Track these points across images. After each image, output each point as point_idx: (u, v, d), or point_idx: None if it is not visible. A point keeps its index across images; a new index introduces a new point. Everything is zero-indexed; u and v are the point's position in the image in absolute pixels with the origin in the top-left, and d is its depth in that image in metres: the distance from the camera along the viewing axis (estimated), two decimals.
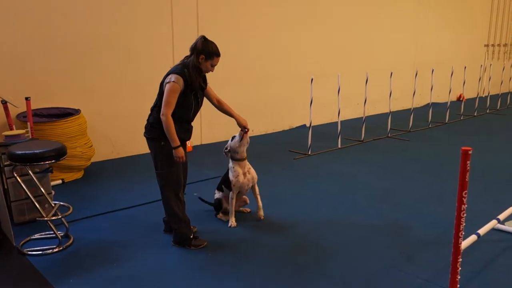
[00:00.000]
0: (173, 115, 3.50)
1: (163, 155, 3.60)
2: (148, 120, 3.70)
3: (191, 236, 3.78)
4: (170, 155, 3.55)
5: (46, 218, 3.72)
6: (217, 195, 4.43)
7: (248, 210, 4.56)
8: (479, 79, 11.25)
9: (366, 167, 6.29)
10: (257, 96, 8.06)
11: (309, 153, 6.84)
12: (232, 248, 3.79)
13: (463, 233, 2.80)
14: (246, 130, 4.05)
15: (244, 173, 4.19)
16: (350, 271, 3.43)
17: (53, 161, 3.63)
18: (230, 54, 7.58)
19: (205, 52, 3.52)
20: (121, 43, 6.38)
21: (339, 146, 7.31)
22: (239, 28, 7.67)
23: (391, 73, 8.19)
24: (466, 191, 2.73)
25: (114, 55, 6.34)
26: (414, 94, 8.72)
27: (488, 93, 11.25)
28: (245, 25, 7.74)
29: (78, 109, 5.78)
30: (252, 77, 7.96)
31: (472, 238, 3.07)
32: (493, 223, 3.33)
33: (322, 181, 5.66)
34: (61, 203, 4.09)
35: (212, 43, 3.57)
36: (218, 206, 4.42)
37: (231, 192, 4.20)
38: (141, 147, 6.69)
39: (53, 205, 3.96)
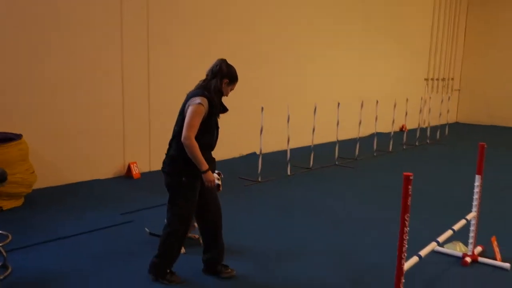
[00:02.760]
0: (198, 142, 3.30)
1: (182, 191, 3.44)
2: (167, 154, 3.50)
3: (168, 271, 3.58)
4: (189, 191, 3.43)
5: None
6: None
7: (197, 236, 4.51)
8: (420, 111, 11.83)
9: (315, 194, 6.41)
10: None
11: (259, 180, 6.90)
12: (183, 276, 3.72)
13: (405, 255, 2.91)
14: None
15: None
16: None
17: None
18: (181, 80, 7.62)
19: (229, 76, 3.43)
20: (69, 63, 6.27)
21: (289, 173, 7.42)
22: (189, 54, 7.72)
23: (338, 104, 8.48)
24: (408, 214, 2.85)
25: (59, 76, 6.20)
26: (360, 124, 9.04)
27: (429, 124, 11.84)
28: (195, 52, 7.81)
29: (20, 134, 5.57)
30: None
31: (414, 259, 3.19)
32: (433, 245, 3.48)
33: (272, 208, 5.70)
34: None
35: (233, 67, 3.49)
36: None
37: None
38: (85, 173, 6.54)
39: None
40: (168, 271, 3.58)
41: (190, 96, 3.37)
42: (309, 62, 10.16)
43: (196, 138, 3.28)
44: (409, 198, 2.85)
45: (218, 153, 8.24)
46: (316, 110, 7.98)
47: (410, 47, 13.66)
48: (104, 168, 6.82)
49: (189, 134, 3.23)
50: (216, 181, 4.04)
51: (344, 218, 5.37)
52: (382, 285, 3.62)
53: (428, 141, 11.46)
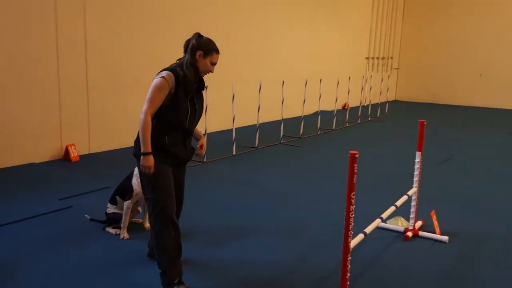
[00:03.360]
0: (164, 122, 3.02)
1: (147, 176, 3.05)
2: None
3: (175, 281, 3.10)
4: (158, 175, 3.04)
5: None
6: (111, 209, 4.13)
7: (141, 220, 4.37)
8: (362, 89, 12.08)
9: (261, 172, 6.40)
10: None
11: (205, 160, 6.79)
12: (128, 263, 3.59)
13: (352, 232, 2.93)
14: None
15: None
16: (248, 277, 3.43)
17: None
18: (123, 58, 7.29)
19: (202, 47, 3.08)
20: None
21: (234, 153, 7.35)
22: (130, 36, 7.39)
23: (283, 82, 8.46)
24: (354, 192, 2.86)
25: None
26: (304, 103, 9.09)
27: (370, 102, 12.13)
28: (136, 32, 7.49)
29: None
30: (144, 85, 7.69)
31: (360, 237, 3.23)
32: (377, 222, 3.55)
33: (220, 188, 5.63)
34: None
35: (209, 39, 3.16)
36: (112, 220, 4.11)
37: (127, 202, 3.94)
38: (18, 156, 6.15)
39: None
40: (176, 281, 3.11)
41: (163, 69, 3.08)
42: (253, 41, 10.05)
43: (159, 116, 3.01)
44: (355, 176, 2.86)
45: None
46: (261, 89, 7.93)
47: (352, 26, 13.86)
48: (40, 151, 6.45)
49: (145, 108, 2.94)
50: None
51: (291, 195, 5.39)
52: (330, 263, 3.67)
53: (369, 118, 11.76)
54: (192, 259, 3.67)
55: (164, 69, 3.05)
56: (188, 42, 3.12)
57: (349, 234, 2.92)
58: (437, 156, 7.63)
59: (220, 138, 8.49)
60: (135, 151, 3.11)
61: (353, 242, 3.07)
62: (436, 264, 3.75)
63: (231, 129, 7.49)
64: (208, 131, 6.94)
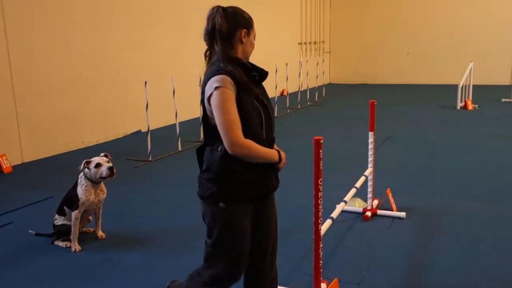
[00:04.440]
0: None
1: (219, 221, 2.25)
2: (201, 172, 2.31)
3: None
4: (230, 221, 2.25)
5: None
6: (59, 220, 3.81)
7: (92, 229, 4.09)
8: (299, 75, 12.18)
9: None
10: (85, 104, 7.39)
11: (150, 159, 6.52)
12: (84, 276, 3.33)
13: (322, 219, 2.88)
14: None
15: (97, 192, 3.73)
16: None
17: None
18: (49, 59, 6.81)
19: (242, 22, 2.21)
20: None
21: (180, 149, 7.13)
22: (58, 29, 6.91)
23: None
24: (321, 178, 2.81)
25: None
26: None
27: (307, 87, 12.26)
28: (64, 25, 7.02)
29: None
30: (78, 83, 7.26)
31: (328, 222, 3.20)
32: (342, 206, 3.53)
33: (169, 187, 5.42)
34: None
35: (233, 6, 2.25)
36: (62, 233, 3.79)
37: (75, 212, 3.66)
38: None
39: None
40: None
41: (204, 80, 2.19)
42: (188, 30, 9.78)
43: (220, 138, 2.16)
44: (321, 162, 2.80)
45: (99, 135, 7.72)
46: (201, 81, 7.72)
47: (282, 13, 13.90)
48: None
49: (232, 137, 2.07)
50: (107, 164, 3.66)
51: None
52: (298, 251, 3.61)
53: (308, 103, 11.89)
54: (150, 267, 3.48)
55: (210, 75, 2.14)
56: (210, 26, 2.19)
57: (319, 221, 2.87)
58: (378, 135, 7.81)
59: (162, 134, 8.21)
60: (202, 191, 2.29)
61: (323, 229, 3.02)
62: (398, 240, 3.81)
63: (174, 124, 7.24)
64: (150, 128, 6.66)
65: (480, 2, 15.03)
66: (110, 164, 3.67)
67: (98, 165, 3.63)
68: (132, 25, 8.26)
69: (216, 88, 2.08)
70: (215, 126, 2.13)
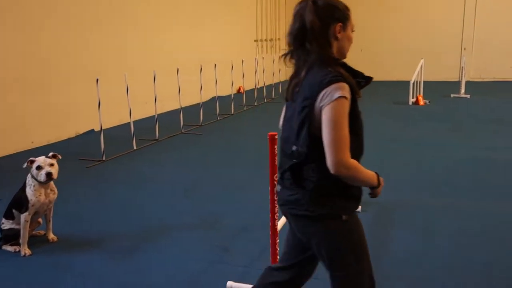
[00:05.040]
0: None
1: (347, 240, 1.99)
2: (293, 185, 1.98)
3: None
4: (355, 229, 2.02)
5: None
6: (7, 224, 3.63)
7: (42, 232, 3.93)
8: (255, 72, 12.19)
9: (166, 165, 6.15)
10: (34, 103, 7.10)
11: (104, 159, 6.34)
12: (36, 281, 3.19)
13: (278, 215, 2.88)
14: None
15: (47, 193, 3.57)
16: (169, 276, 3.23)
17: None
18: None
19: (338, 15, 1.94)
20: None
21: (135, 147, 6.97)
22: (7, 28, 6.60)
23: (177, 69, 8.19)
24: (276, 174, 2.79)
25: None
26: (201, 89, 8.91)
27: (264, 84, 12.29)
28: (13, 23, 6.71)
29: None
30: (26, 81, 6.96)
31: (284, 219, 3.19)
32: None
33: (124, 186, 5.29)
34: None
35: None
36: (10, 237, 3.61)
37: (24, 214, 3.49)
38: None
39: None
40: None
41: (311, 85, 1.88)
42: (144, 29, 9.58)
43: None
44: (276, 158, 2.79)
45: (50, 135, 7.44)
46: (156, 78, 7.58)
47: (239, 10, 13.87)
48: None
49: (341, 157, 1.82)
50: (48, 169, 3.51)
51: (199, 186, 5.24)
52: (253, 248, 3.60)
53: (265, 100, 11.93)
54: (103, 270, 3.37)
55: (324, 79, 1.85)
56: (303, 23, 1.91)
57: (275, 217, 2.87)
58: None
59: (117, 133, 8.02)
60: (312, 209, 1.94)
61: (280, 224, 3.02)
62: None
63: (129, 123, 7.08)
64: (103, 128, 6.48)
65: (430, 3, 15.52)
66: (49, 169, 3.50)
67: (39, 168, 3.49)
68: (81, 23, 8.00)
69: (337, 98, 1.81)
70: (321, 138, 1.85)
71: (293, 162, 1.96)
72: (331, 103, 1.81)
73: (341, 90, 1.82)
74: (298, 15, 1.93)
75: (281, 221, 3.14)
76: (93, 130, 8.14)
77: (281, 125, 2.18)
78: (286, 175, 2.02)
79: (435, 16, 15.40)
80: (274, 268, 2.28)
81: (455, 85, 12.49)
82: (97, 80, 6.28)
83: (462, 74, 12.05)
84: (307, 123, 1.88)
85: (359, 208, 4.26)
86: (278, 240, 2.92)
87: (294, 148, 1.95)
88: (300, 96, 1.93)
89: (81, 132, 8.11)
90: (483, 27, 15.04)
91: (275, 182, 2.79)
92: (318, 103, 1.85)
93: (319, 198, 1.93)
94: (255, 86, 11.87)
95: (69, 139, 7.77)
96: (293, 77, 2.03)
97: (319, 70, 1.89)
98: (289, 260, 2.19)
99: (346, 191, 1.96)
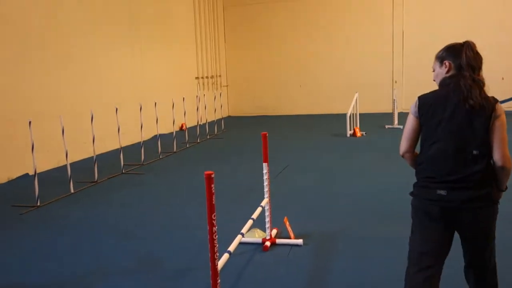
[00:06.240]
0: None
1: (496, 218, 2.68)
2: (479, 180, 2.55)
3: None
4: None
5: None
6: None
7: None
8: (197, 109, 12.23)
9: (105, 207, 5.96)
10: None
11: (39, 204, 6.06)
12: None
13: (218, 254, 2.86)
14: None
15: None
16: None
17: None
18: None
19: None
20: None
21: (72, 191, 6.72)
22: None
23: (116, 108, 8.08)
24: (214, 213, 2.80)
25: None
26: (141, 128, 8.81)
27: (206, 121, 12.34)
28: None
29: None
30: None
31: (225, 256, 3.18)
32: (239, 238, 3.54)
33: (60, 232, 5.06)
34: None
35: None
36: None
37: None
38: None
39: None
40: None
41: (484, 101, 2.55)
42: (81, 67, 9.41)
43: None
44: (213, 197, 2.80)
45: None
46: (94, 118, 7.42)
47: (179, 48, 13.98)
48: None
49: (508, 152, 2.57)
50: None
51: (140, 227, 5.11)
52: (198, 286, 3.53)
53: (208, 136, 11.94)
54: None
55: (493, 101, 2.56)
56: (474, 59, 2.63)
57: (216, 257, 2.84)
58: (275, 164, 8.04)
59: (52, 177, 7.71)
60: (491, 199, 2.59)
61: (220, 264, 3.00)
62: (297, 266, 3.90)
63: (65, 165, 6.84)
64: (38, 171, 6.22)
65: (361, 41, 16.34)
66: None
67: None
68: (10, 61, 7.77)
69: (503, 112, 2.57)
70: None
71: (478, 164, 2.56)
72: (502, 114, 2.56)
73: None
74: (468, 49, 2.65)
75: (222, 260, 3.12)
76: (27, 174, 7.78)
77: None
78: (469, 177, 2.55)
79: (367, 49, 16.17)
80: (427, 273, 2.70)
81: (389, 116, 13.08)
82: (30, 122, 6.06)
83: (394, 106, 12.66)
84: (490, 128, 2.56)
85: (300, 242, 4.33)
86: (219, 280, 2.89)
87: (475, 152, 2.55)
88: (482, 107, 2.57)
89: (14, 176, 7.74)
90: (410, 61, 15.96)
91: (213, 221, 2.79)
92: (497, 114, 2.55)
93: (495, 187, 2.61)
94: (197, 123, 11.89)
95: (1, 185, 7.38)
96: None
97: (483, 93, 2.62)
98: (441, 256, 2.71)
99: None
